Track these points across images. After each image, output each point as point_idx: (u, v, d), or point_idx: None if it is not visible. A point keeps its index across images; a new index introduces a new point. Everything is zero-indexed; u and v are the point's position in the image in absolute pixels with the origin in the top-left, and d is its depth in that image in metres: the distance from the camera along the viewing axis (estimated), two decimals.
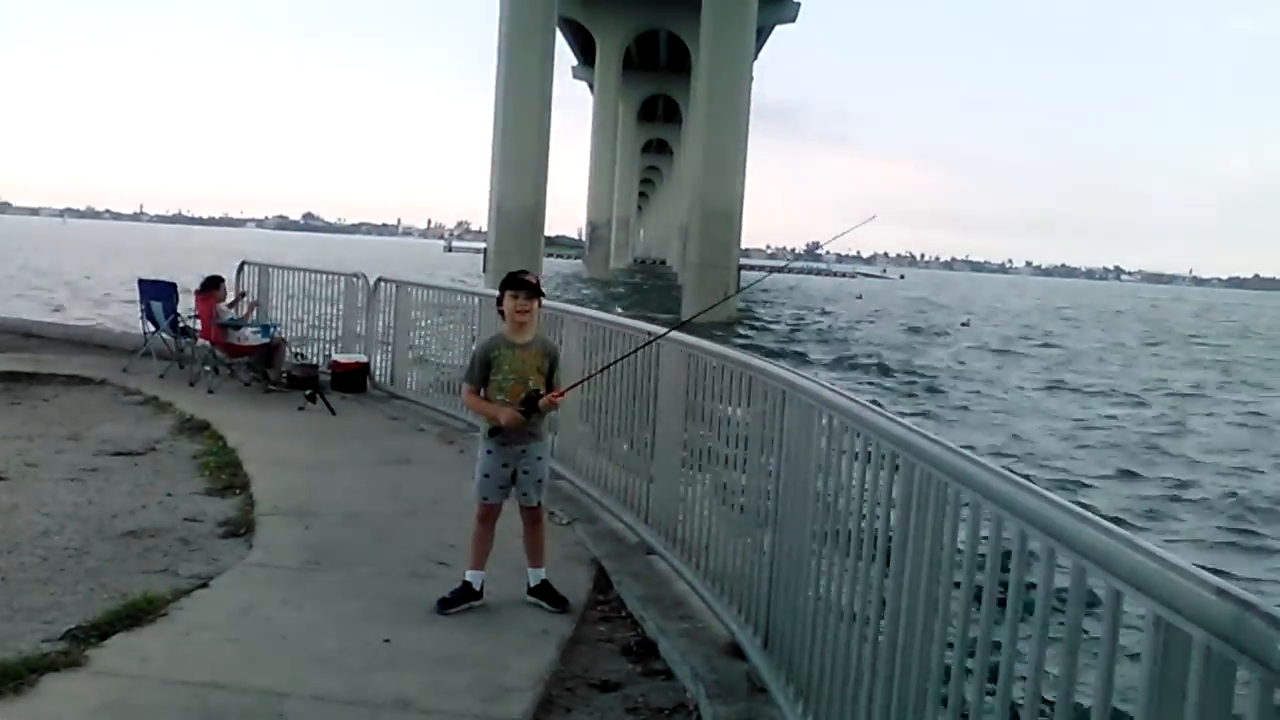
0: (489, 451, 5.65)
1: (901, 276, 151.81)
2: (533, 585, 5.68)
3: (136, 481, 7.81)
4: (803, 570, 4.31)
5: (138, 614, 5.13)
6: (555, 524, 7.02)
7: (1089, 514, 2.26)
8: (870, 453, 3.70)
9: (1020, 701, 2.41)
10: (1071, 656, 2.22)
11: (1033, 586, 2.43)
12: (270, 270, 14.31)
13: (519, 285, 5.65)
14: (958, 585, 2.92)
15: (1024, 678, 2.45)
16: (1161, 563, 1.93)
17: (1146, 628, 1.94)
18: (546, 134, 46.23)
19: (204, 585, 5.62)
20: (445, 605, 5.47)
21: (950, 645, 2.90)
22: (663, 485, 6.57)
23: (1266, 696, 1.64)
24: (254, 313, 12.90)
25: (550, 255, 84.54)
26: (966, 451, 2.97)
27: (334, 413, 10.72)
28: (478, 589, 5.57)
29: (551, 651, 5.08)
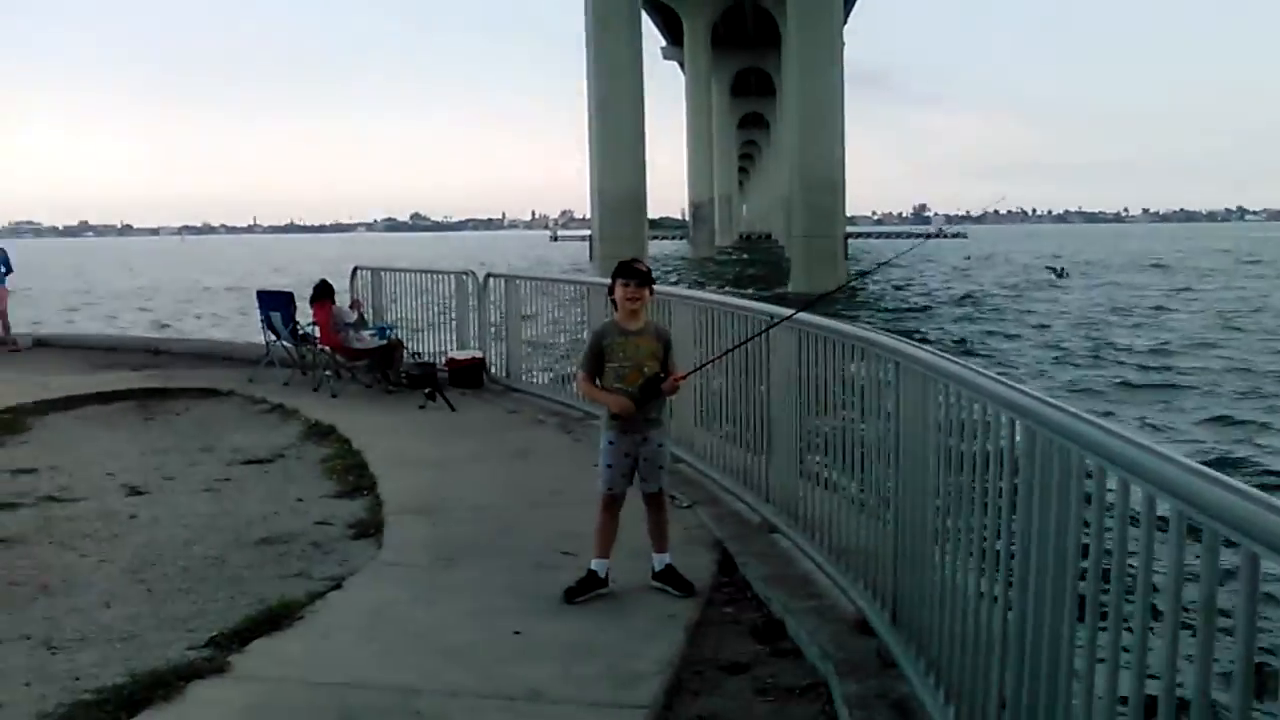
0: (610, 441, 5.69)
1: (965, 235, 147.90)
2: (657, 570, 5.71)
3: (268, 489, 8.05)
4: (927, 543, 4.26)
5: (276, 618, 5.28)
6: (677, 507, 7.03)
7: (1223, 477, 2.18)
8: (990, 421, 3.63)
9: (1154, 678, 2.35)
10: (1209, 629, 2.15)
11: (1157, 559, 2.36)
12: (382, 274, 14.60)
13: (630, 274, 5.69)
14: (1086, 555, 2.85)
15: (1151, 649, 2.39)
16: None
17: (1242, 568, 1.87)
18: (641, 118, 46.27)
19: (337, 587, 5.77)
20: (572, 595, 5.53)
21: (1081, 619, 2.83)
22: (781, 463, 6.53)
23: None
24: (364, 315, 13.15)
25: (655, 237, 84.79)
26: (1086, 414, 2.89)
27: (453, 409, 10.89)
28: (603, 577, 5.62)
29: (679, 636, 5.11)
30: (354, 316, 12.72)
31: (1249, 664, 2.00)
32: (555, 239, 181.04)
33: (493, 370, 12.56)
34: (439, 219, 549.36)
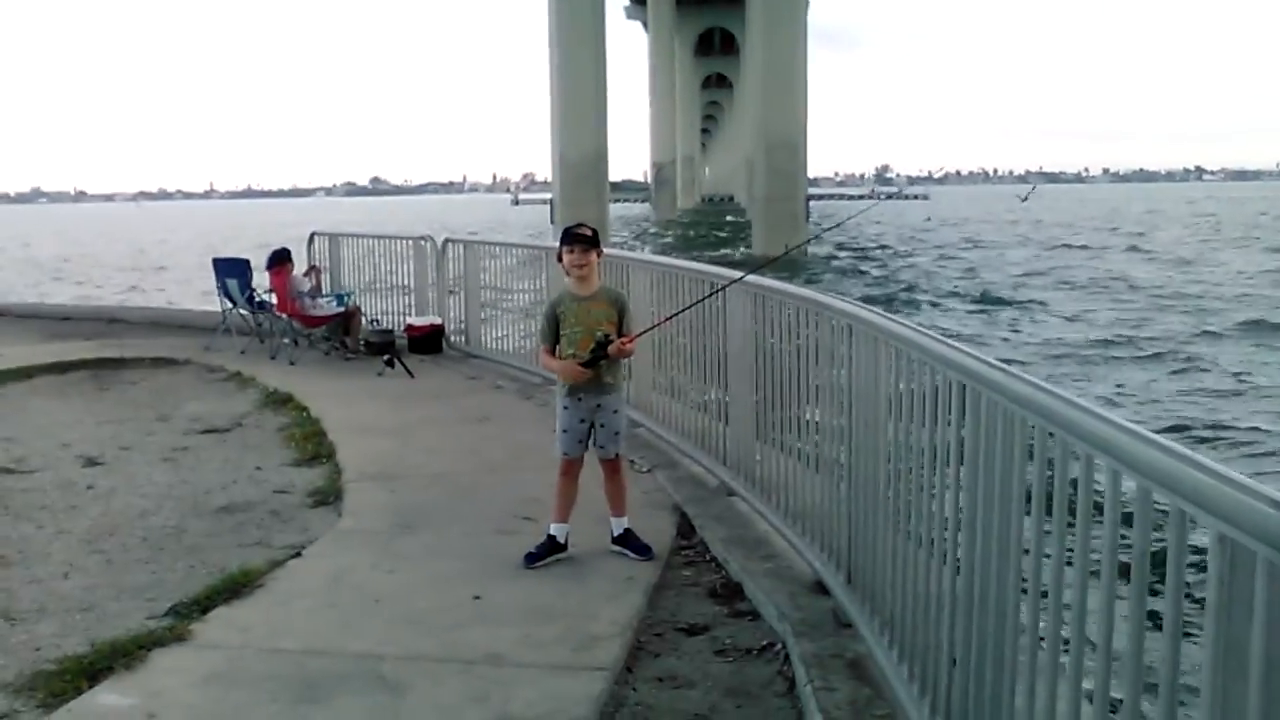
0: (565, 406, 5.72)
1: (926, 197, 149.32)
2: (616, 534, 5.76)
3: (226, 458, 8.02)
4: (879, 504, 4.32)
5: (236, 587, 5.29)
6: (636, 471, 7.09)
7: (1153, 436, 2.24)
8: (938, 384, 3.68)
9: (1092, 634, 2.41)
10: (1141, 581, 2.21)
11: (1100, 509, 2.42)
12: (340, 239, 14.49)
13: (575, 239, 5.69)
14: (1029, 514, 2.91)
15: (1094, 610, 2.45)
16: (1223, 480, 1.92)
17: (1211, 546, 1.93)
18: (603, 79, 46.03)
19: (297, 555, 5.78)
20: (532, 559, 5.57)
21: (1025, 581, 2.90)
22: (738, 427, 6.59)
23: None
24: (322, 281, 13.07)
25: (617, 200, 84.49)
26: (1029, 376, 2.95)
27: (412, 376, 10.88)
28: (562, 541, 5.66)
29: (638, 598, 5.16)
30: (311, 283, 12.64)
31: (1177, 611, 2.06)
32: (517, 202, 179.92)
33: (452, 337, 12.53)
34: (399, 182, 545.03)
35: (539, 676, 4.35)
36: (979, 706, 3.17)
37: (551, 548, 5.63)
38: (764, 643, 4.73)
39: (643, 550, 5.68)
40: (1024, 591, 2.95)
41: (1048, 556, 2.75)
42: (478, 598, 5.15)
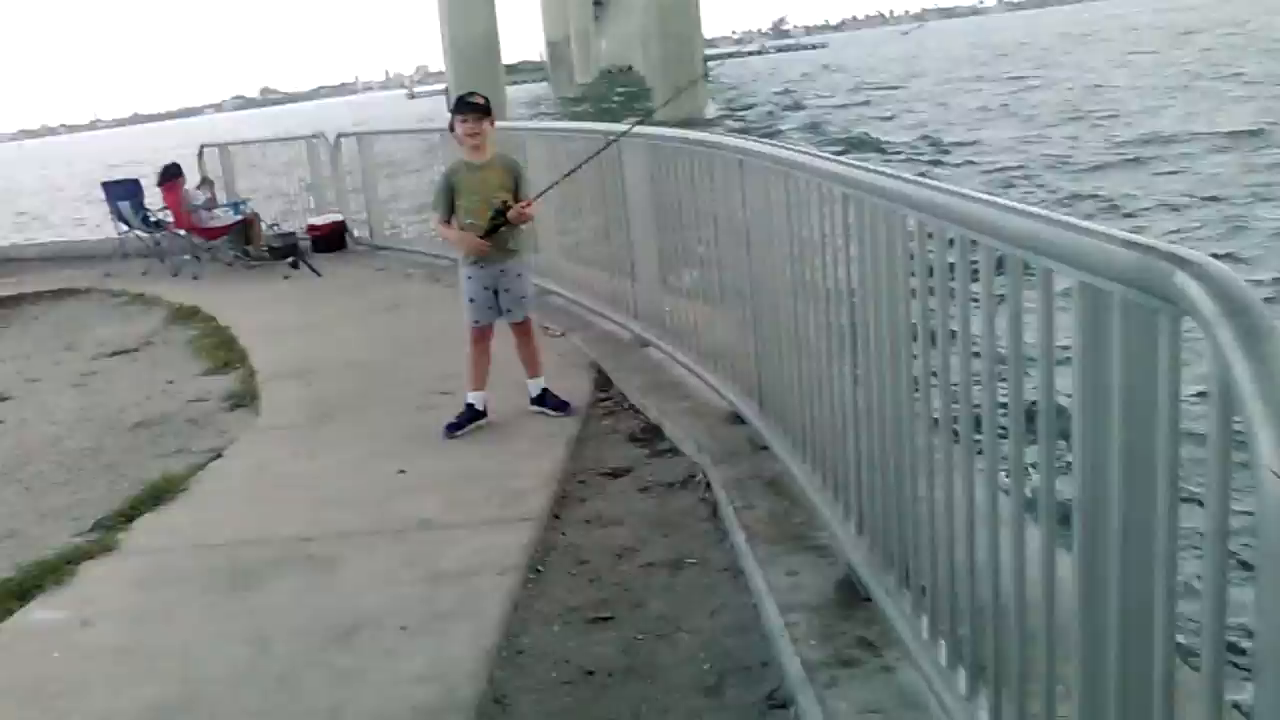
0: (469, 276, 5.71)
1: (825, 45, 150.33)
2: (534, 395, 5.82)
3: (137, 376, 7.92)
4: (782, 328, 4.38)
5: (159, 494, 5.27)
6: (550, 336, 7.12)
7: (1012, 204, 2.30)
8: (823, 200, 3.70)
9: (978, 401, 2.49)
10: (1016, 339, 2.29)
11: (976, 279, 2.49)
12: (230, 149, 14.16)
13: (466, 108, 5.62)
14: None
15: (979, 382, 2.52)
16: (1077, 231, 1.98)
17: (1074, 297, 1.99)
18: None
19: (218, 456, 5.76)
20: (452, 429, 5.61)
21: (916, 382, 2.96)
22: (646, 279, 6.63)
23: (1175, 328, 1.71)
24: (216, 192, 12.79)
25: (514, 82, 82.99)
26: (898, 172, 2.99)
27: (319, 275, 10.77)
28: (481, 409, 5.70)
29: (560, 451, 5.24)
30: (205, 196, 12.35)
31: (1049, 353, 2.13)
32: (413, 96, 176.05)
33: (355, 231, 12.38)
34: (290, 91, 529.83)
35: (467, 535, 4.42)
36: (887, 503, 3.27)
37: (471, 416, 5.67)
38: (685, 475, 4.84)
39: (562, 406, 5.74)
40: (916, 391, 3.01)
41: (935, 345, 2.82)
42: (402, 471, 5.19)
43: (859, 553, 3.47)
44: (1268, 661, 1.43)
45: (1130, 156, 23.13)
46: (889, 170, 3.13)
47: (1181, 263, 1.63)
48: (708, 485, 4.64)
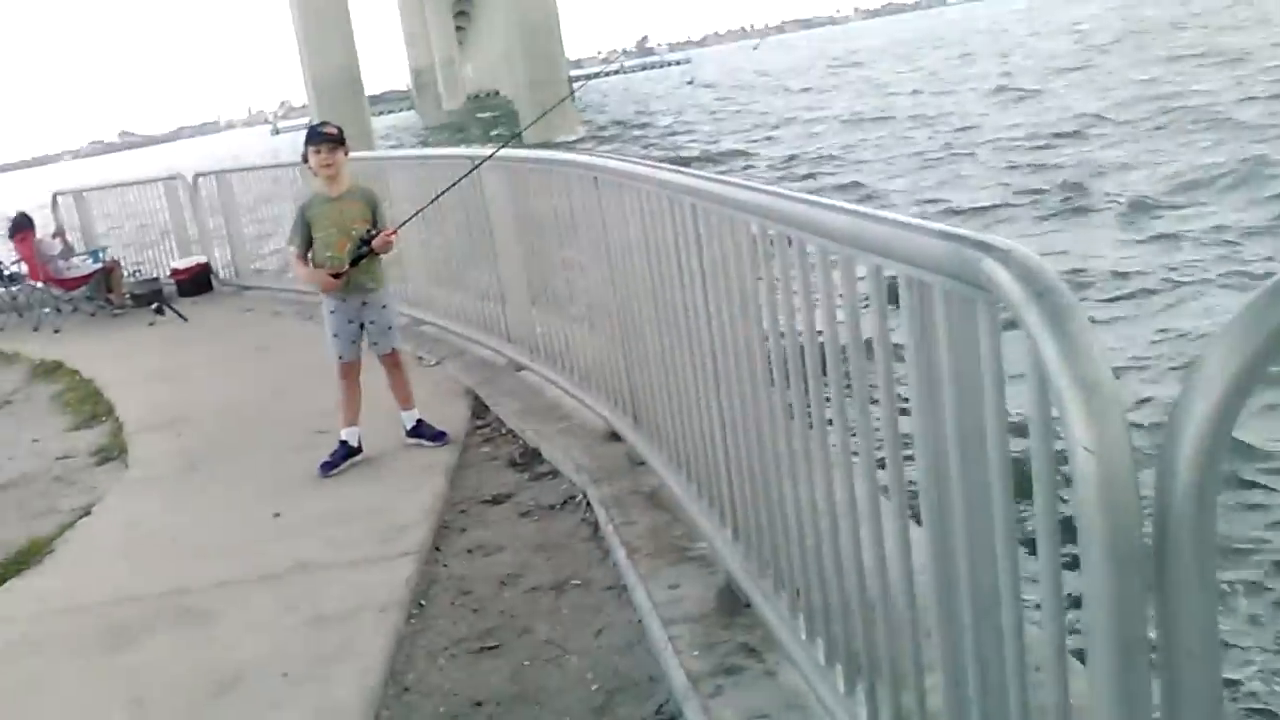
0: (331, 311, 5.64)
1: (689, 61, 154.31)
2: (409, 428, 5.76)
3: (0, 437, 7.64)
4: (648, 343, 4.41)
5: (25, 558, 5.08)
6: (425, 366, 7.07)
7: (839, 204, 2.37)
8: (674, 211, 3.74)
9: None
10: (856, 343, 2.35)
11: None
12: (85, 195, 13.77)
13: (319, 138, 5.56)
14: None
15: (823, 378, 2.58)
16: (900, 227, 2.04)
17: (901, 290, 2.06)
18: None
19: (87, 514, 5.58)
20: (328, 468, 5.53)
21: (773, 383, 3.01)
22: (516, 303, 6.62)
23: (991, 314, 1.77)
24: (72, 241, 12.44)
25: (380, 113, 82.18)
26: (737, 180, 3.05)
27: (185, 319, 10.52)
28: (356, 445, 5.63)
29: (439, 481, 5.20)
30: (60, 245, 11.98)
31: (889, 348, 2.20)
32: (277, 132, 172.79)
33: (221, 273, 12.13)
34: (150, 133, 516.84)
35: (348, 574, 4.35)
36: (756, 508, 3.31)
37: (346, 453, 5.59)
38: (566, 496, 4.84)
39: (438, 436, 5.70)
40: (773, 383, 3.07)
41: (783, 336, 2.88)
42: (278, 515, 5.09)
43: (736, 560, 3.52)
44: (1095, 622, 1.49)
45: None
46: (728, 179, 3.20)
47: (989, 249, 1.70)
48: (588, 505, 4.65)
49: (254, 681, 3.66)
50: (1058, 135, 23.91)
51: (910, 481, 2.26)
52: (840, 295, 2.44)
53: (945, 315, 1.93)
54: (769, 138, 35.16)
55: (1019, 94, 34.53)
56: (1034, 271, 1.63)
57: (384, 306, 5.69)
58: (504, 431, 5.82)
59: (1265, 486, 6.57)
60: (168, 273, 12.10)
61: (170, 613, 4.28)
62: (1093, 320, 1.66)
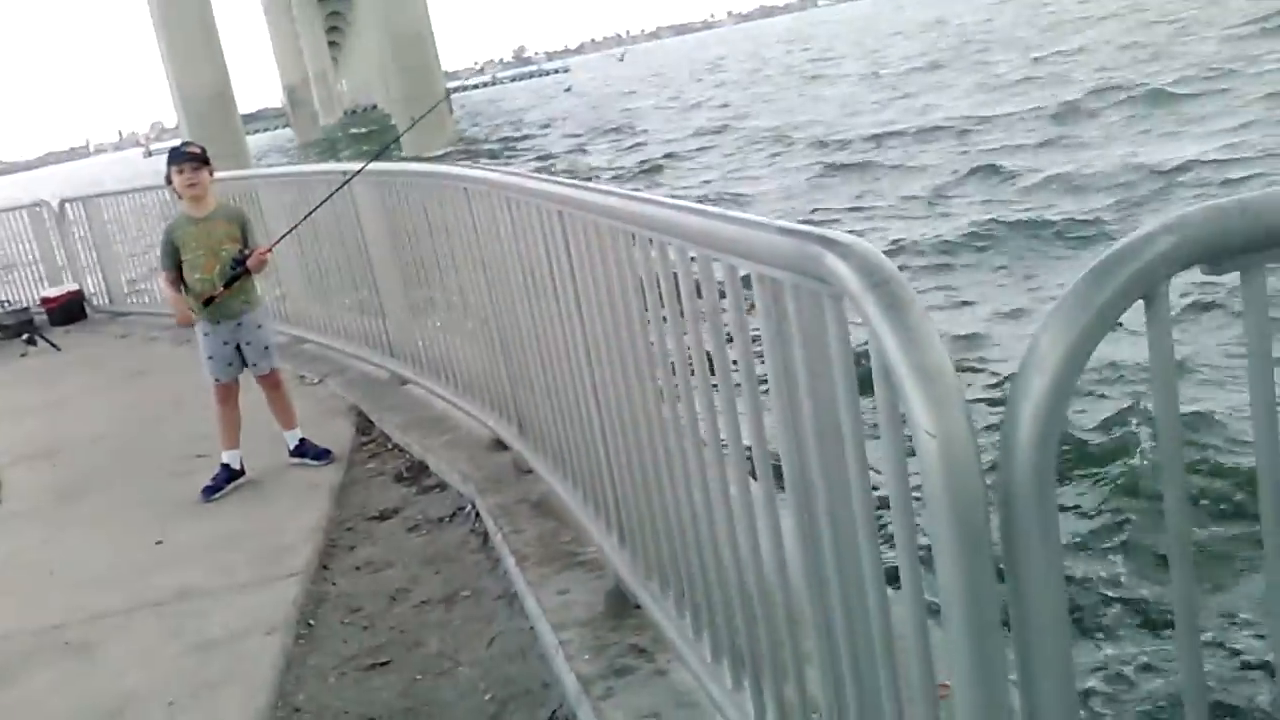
0: (205, 334, 5.56)
1: (567, 69, 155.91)
2: (292, 447, 5.70)
3: None
4: (527, 350, 4.43)
5: None
6: (307, 385, 7.01)
7: (694, 205, 2.42)
8: (542, 220, 3.77)
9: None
10: (719, 341, 2.41)
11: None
12: None
13: (182, 158, 5.48)
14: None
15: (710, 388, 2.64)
16: (747, 225, 2.10)
17: (755, 287, 2.12)
18: (208, 7, 43.47)
19: None
20: (210, 492, 5.44)
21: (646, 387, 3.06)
22: (396, 316, 6.59)
23: (837, 307, 1.83)
24: None
25: (254, 131, 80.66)
26: (600, 186, 3.10)
27: (58, 349, 10.23)
28: (238, 468, 5.55)
29: (324, 500, 5.16)
30: None
31: (748, 347, 2.26)
32: (150, 154, 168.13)
33: (94, 299, 11.82)
34: (12, 160, 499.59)
35: (233, 598, 4.30)
36: (640, 511, 3.35)
37: (229, 476, 5.51)
38: (454, 508, 4.85)
39: (322, 455, 5.65)
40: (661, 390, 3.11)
41: (651, 344, 2.93)
42: (159, 542, 5.00)
43: (624, 563, 3.54)
44: (949, 603, 1.56)
45: None
46: (592, 185, 3.24)
47: (830, 244, 1.76)
48: (477, 515, 4.66)
49: (138, 712, 3.60)
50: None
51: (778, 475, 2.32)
52: (700, 296, 2.49)
53: (795, 310, 1.98)
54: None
55: None
56: (873, 264, 1.68)
57: (259, 327, 5.62)
58: (389, 446, 5.80)
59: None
60: (38, 302, 11.73)
61: (49, 647, 4.18)
62: None
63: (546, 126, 50.51)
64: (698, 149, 31.71)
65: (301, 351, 7.71)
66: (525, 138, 47.62)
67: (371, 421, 6.18)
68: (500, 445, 5.16)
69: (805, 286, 1.91)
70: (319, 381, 7.10)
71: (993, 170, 18.19)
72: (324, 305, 7.88)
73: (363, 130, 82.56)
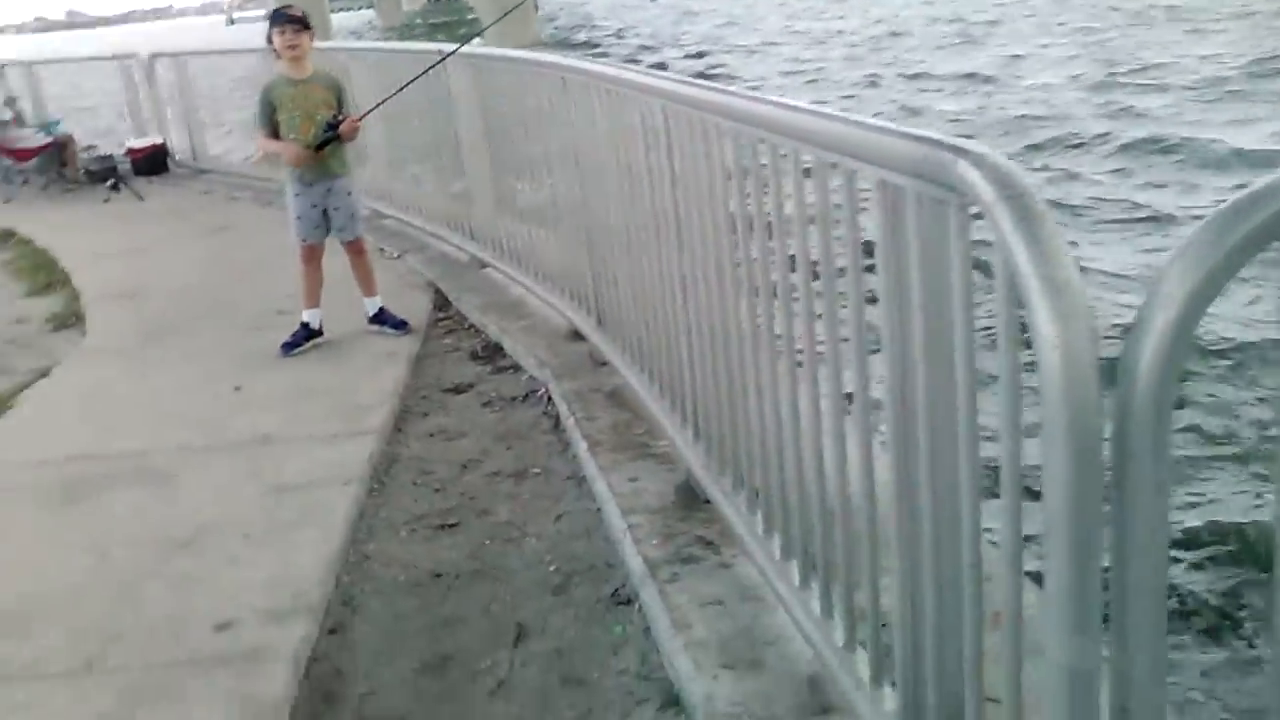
0: (296, 194, 5.66)
1: None
2: (371, 314, 5.83)
3: None
4: (614, 244, 4.49)
5: None
6: (386, 258, 7.11)
7: (813, 108, 2.44)
8: (643, 114, 3.79)
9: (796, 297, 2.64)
10: (826, 244, 2.43)
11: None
12: (35, 68, 13.44)
13: (283, 19, 5.54)
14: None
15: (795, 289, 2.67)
16: (874, 131, 2.13)
17: (873, 195, 2.14)
18: None
19: (44, 376, 5.61)
20: (289, 348, 5.59)
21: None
22: (481, 200, 6.66)
23: (961, 217, 1.86)
24: (22, 112, 12.18)
25: (338, 10, 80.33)
26: (707, 83, 3.12)
27: (141, 198, 10.42)
28: (317, 327, 5.69)
29: (401, 368, 5.29)
30: (10, 115, 11.75)
31: (856, 250, 2.30)
32: (232, 22, 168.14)
33: (177, 155, 11.99)
34: (99, 14, 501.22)
35: (309, 448, 4.45)
36: (720, 411, 3.42)
37: (307, 334, 5.65)
38: (527, 390, 4.96)
39: (400, 325, 5.77)
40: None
41: (756, 259, 2.95)
42: (238, 389, 5.16)
43: (697, 459, 3.62)
44: (1053, 514, 1.60)
45: None
46: (700, 82, 3.26)
47: (963, 153, 1.78)
48: (549, 400, 4.76)
49: (215, 540, 3.76)
50: None
51: (878, 383, 2.36)
52: (812, 201, 2.52)
53: (915, 219, 2.01)
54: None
55: None
56: (1007, 175, 1.69)
57: (349, 194, 5.72)
58: (466, 325, 5.91)
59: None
60: (123, 151, 11.91)
61: (130, 472, 4.36)
62: None
63: (621, 33, 49.90)
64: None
65: (382, 226, 7.81)
66: (619, 36, 47.21)
67: (449, 300, 6.29)
68: (577, 336, 5.25)
69: (929, 195, 1.93)
70: (398, 256, 7.21)
71: None
72: (407, 184, 7.96)
73: (442, 20, 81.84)
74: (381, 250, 7.23)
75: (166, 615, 3.29)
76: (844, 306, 2.43)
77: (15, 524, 4.01)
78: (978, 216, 1.80)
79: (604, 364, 4.85)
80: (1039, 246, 1.61)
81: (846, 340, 2.43)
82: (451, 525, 3.87)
